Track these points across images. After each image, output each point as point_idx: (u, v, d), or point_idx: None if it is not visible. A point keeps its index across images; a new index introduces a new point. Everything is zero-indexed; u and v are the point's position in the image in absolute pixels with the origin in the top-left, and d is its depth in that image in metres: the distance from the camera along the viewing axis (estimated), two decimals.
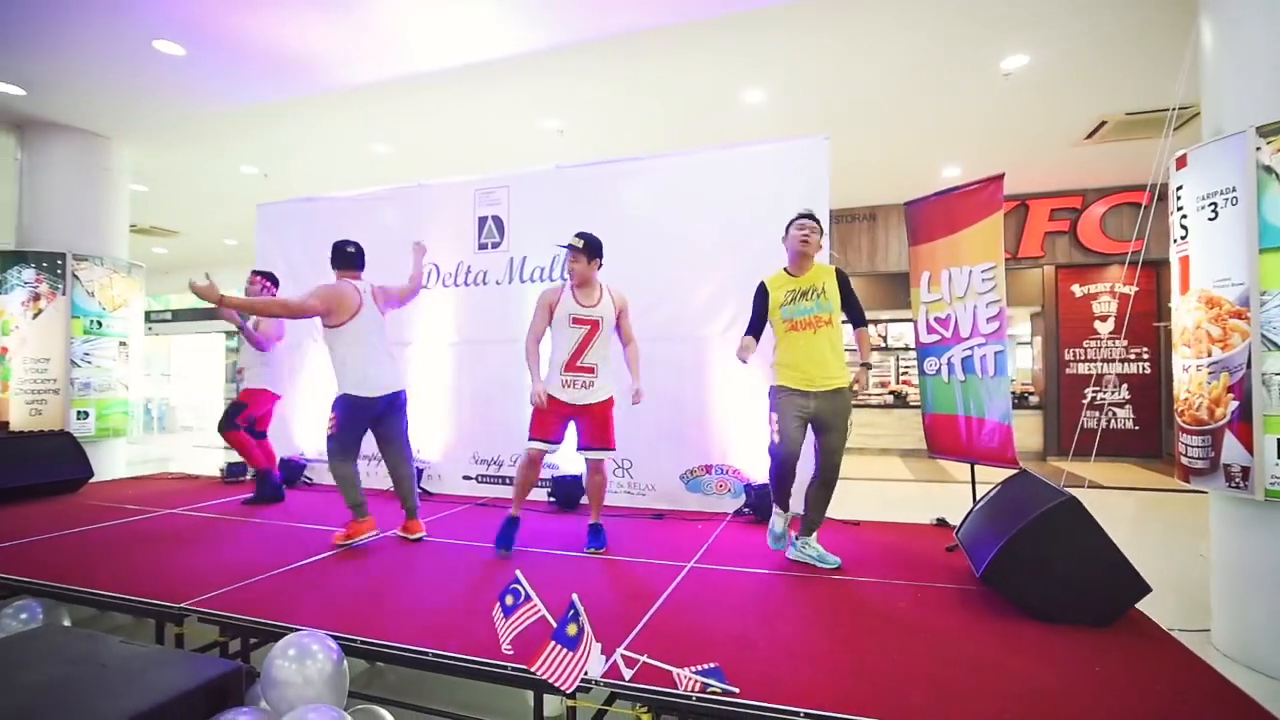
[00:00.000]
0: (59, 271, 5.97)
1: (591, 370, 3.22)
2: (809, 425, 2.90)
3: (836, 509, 3.33)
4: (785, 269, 3.01)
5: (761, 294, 2.99)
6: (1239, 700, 1.74)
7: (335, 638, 2.07)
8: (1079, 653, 2.04)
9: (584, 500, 3.79)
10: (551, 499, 4.30)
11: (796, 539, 3.02)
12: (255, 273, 4.48)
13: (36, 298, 5.89)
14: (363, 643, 2.14)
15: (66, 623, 2.70)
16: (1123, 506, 6.14)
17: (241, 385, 4.52)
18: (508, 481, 4.60)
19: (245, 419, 4.43)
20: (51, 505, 4.24)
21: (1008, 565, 2.38)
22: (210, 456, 9.98)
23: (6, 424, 5.74)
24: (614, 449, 3.33)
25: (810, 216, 2.96)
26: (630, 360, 3.36)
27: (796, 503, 3.02)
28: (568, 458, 3.98)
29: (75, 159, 6.16)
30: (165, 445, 11.89)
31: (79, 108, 5.72)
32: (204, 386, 15.73)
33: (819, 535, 3.01)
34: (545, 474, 4.46)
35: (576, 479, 4.19)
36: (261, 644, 2.44)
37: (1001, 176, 3.28)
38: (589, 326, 3.19)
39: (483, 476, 4.70)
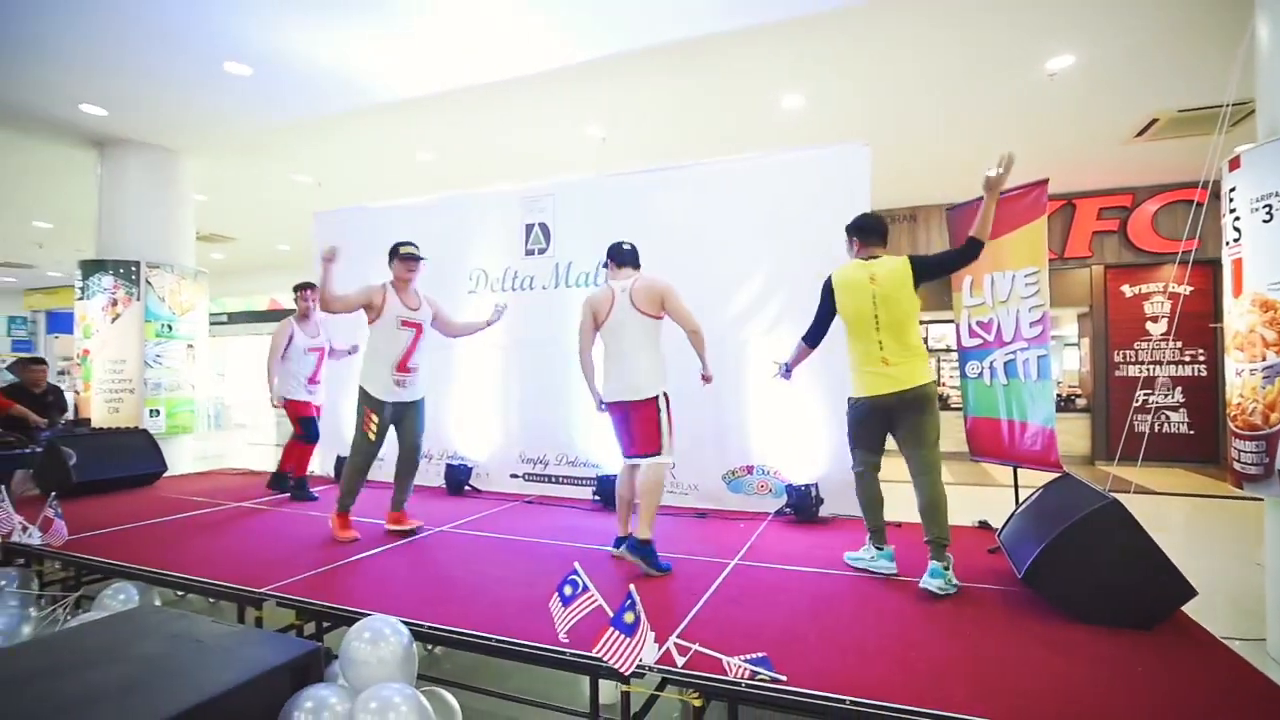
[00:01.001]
0: (134, 278, 6.38)
1: None
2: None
3: None
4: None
5: None
6: None
7: (404, 622, 2.22)
8: (1119, 653, 2.06)
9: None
10: (596, 498, 4.43)
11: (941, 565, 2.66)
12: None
13: (114, 303, 6.31)
14: (430, 628, 2.29)
15: (157, 603, 2.93)
16: (1174, 512, 5.98)
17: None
18: (553, 480, 4.76)
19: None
20: (132, 497, 4.57)
21: (1049, 567, 2.41)
22: (263, 453, 10.45)
23: (88, 421, 6.17)
24: None
25: None
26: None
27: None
28: (614, 457, 4.09)
29: (148, 173, 6.57)
30: (221, 442, 12.47)
31: (153, 125, 6.11)
32: (257, 386, 16.40)
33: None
34: (589, 473, 4.61)
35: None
36: (333, 628, 2.61)
37: (1045, 182, 3.26)
38: None
39: (529, 475, 4.86)
